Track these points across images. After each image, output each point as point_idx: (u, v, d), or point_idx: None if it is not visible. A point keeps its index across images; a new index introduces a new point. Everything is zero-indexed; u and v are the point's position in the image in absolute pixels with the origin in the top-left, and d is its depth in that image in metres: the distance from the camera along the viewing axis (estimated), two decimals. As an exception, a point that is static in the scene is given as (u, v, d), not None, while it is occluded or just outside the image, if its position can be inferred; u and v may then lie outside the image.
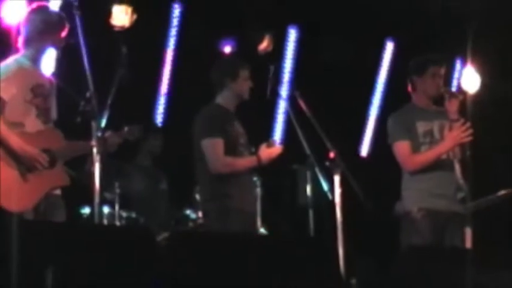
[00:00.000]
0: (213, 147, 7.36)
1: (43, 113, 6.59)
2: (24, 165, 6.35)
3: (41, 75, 6.67)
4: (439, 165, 7.65)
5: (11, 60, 6.61)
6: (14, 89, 6.43)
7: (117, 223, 8.42)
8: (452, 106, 7.76)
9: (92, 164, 6.17)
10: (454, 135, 7.54)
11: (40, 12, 6.84)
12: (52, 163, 6.46)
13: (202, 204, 7.82)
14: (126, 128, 6.88)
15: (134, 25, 9.09)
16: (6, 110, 6.39)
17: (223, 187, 7.36)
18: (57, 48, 6.67)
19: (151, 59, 10.35)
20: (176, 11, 10.59)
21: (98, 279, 4.47)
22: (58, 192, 6.66)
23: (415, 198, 7.67)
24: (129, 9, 9.37)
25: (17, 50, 6.72)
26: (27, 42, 6.71)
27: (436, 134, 7.77)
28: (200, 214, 8.13)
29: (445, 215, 7.55)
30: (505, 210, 8.85)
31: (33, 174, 6.38)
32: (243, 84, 7.65)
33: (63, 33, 6.69)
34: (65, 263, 4.39)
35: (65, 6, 6.78)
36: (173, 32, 10.61)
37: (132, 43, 6.99)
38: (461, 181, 7.79)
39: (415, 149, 7.71)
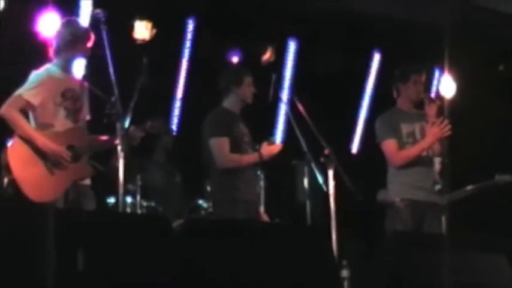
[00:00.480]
0: (219, 146, 7.35)
1: (72, 114, 6.61)
2: (50, 160, 6.38)
3: (71, 81, 6.68)
4: (420, 161, 7.66)
5: (42, 69, 6.64)
6: (44, 95, 6.47)
7: (139, 211, 8.42)
8: (431, 110, 7.78)
9: (117, 160, 6.20)
10: (435, 131, 7.55)
11: (69, 25, 6.86)
12: (76, 158, 6.47)
13: (212, 195, 7.81)
14: (148, 123, 6.88)
15: (154, 38, 9.12)
16: (37, 113, 6.45)
17: (230, 180, 7.36)
18: (84, 57, 6.68)
19: (168, 68, 10.34)
20: (190, 26, 10.58)
21: (122, 261, 4.49)
22: (88, 183, 6.68)
23: (398, 190, 7.68)
24: (149, 25, 9.41)
25: (49, 59, 6.75)
26: (58, 52, 6.73)
27: (418, 135, 7.77)
28: (210, 204, 8.12)
29: (424, 204, 7.55)
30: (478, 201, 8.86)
31: (59, 168, 6.40)
32: (247, 90, 7.61)
33: (89, 44, 6.68)
34: (93, 246, 4.41)
35: (94, 22, 6.79)
36: (187, 44, 10.60)
37: (152, 54, 7.00)
38: (437, 175, 7.81)
39: (400, 147, 7.72)
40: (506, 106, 10.98)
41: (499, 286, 5.93)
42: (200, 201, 8.49)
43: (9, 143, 6.37)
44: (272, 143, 7.52)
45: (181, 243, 4.84)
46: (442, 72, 9.96)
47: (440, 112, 7.80)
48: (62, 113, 6.57)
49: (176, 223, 7.04)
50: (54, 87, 6.55)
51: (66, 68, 6.68)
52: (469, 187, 8.66)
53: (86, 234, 4.43)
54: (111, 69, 6.32)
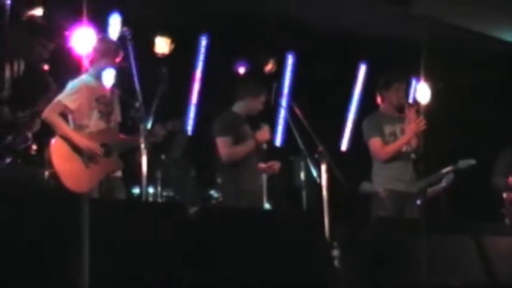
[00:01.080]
0: (223, 143, 7.34)
1: (104, 117, 6.64)
2: (86, 156, 6.41)
3: (103, 88, 6.72)
4: (400, 157, 7.65)
5: (78, 79, 6.69)
6: (80, 101, 6.50)
7: (159, 200, 8.42)
8: (410, 113, 7.77)
9: (140, 156, 6.20)
10: (412, 127, 7.55)
11: (102, 42, 6.92)
12: (108, 153, 6.51)
13: (221, 186, 7.79)
14: (170, 122, 6.90)
15: (172, 52, 9.11)
16: (75, 116, 6.50)
17: (236, 173, 7.36)
18: (114, 68, 6.71)
19: (185, 77, 10.34)
20: (203, 41, 10.57)
21: (145, 241, 4.50)
22: (119, 175, 6.71)
23: (382, 182, 7.67)
24: (169, 41, 9.40)
25: (84, 70, 6.79)
26: (92, 63, 6.77)
27: (398, 135, 7.77)
28: (220, 194, 8.11)
29: (403, 194, 7.56)
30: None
31: (93, 162, 6.43)
32: (257, 105, 7.61)
33: (119, 58, 6.73)
34: (121, 229, 4.42)
35: (121, 38, 6.80)
36: (201, 56, 10.59)
37: (170, 65, 7.00)
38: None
39: (384, 145, 7.72)
40: (473, 108, 11.01)
41: (467, 262, 5.94)
42: (212, 192, 8.48)
43: (51, 142, 6.40)
44: (261, 128, 7.49)
45: (195, 227, 4.84)
46: (418, 80, 9.96)
47: (417, 115, 7.80)
48: (95, 115, 6.61)
49: (191, 210, 7.04)
50: (89, 94, 6.57)
51: (99, 77, 6.71)
52: (437, 172, 8.67)
53: (115, 219, 4.44)
54: (135, 79, 6.32)
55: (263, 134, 7.49)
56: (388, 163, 7.72)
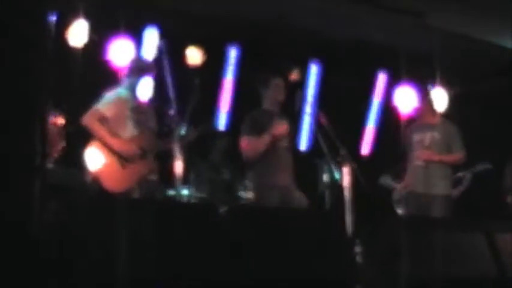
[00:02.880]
0: (242, 142, 7.30)
1: (140, 125, 6.71)
2: (123, 158, 6.49)
3: (137, 99, 6.81)
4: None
5: (113, 91, 6.80)
6: (115, 110, 6.59)
7: (192, 200, 8.47)
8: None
9: (174, 159, 6.27)
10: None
11: (135, 61, 7.05)
12: (143, 156, 6.58)
13: (251, 184, 7.76)
14: (201, 125, 6.97)
15: (204, 63, 9.17)
16: (110, 124, 6.57)
17: (266, 168, 7.33)
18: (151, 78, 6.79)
19: (215, 86, 10.38)
20: (232, 52, 10.61)
21: (180, 239, 4.55)
22: (155, 179, 6.79)
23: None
24: (200, 52, 9.46)
25: (119, 82, 6.89)
26: (126, 77, 6.87)
27: (427, 142, 7.83)
28: (249, 194, 8.11)
29: (425, 196, 7.65)
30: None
31: (129, 164, 6.51)
32: (275, 90, 7.47)
33: (152, 72, 6.85)
34: (159, 227, 4.47)
35: (158, 51, 6.89)
36: (231, 67, 10.62)
37: (202, 75, 7.07)
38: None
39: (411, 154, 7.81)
40: (486, 115, 10.97)
41: (478, 259, 5.95)
42: (242, 192, 8.53)
43: (90, 146, 6.49)
44: (280, 124, 7.43)
45: (226, 225, 4.88)
46: (434, 87, 9.98)
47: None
48: (130, 124, 6.68)
49: (222, 209, 7.07)
50: (123, 105, 6.66)
51: (133, 89, 6.80)
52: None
53: (153, 218, 4.49)
54: (170, 89, 6.39)
55: (278, 128, 7.33)
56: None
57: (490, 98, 10.92)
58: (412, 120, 8.20)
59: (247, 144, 7.28)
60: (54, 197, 4.14)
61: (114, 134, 6.57)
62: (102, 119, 6.55)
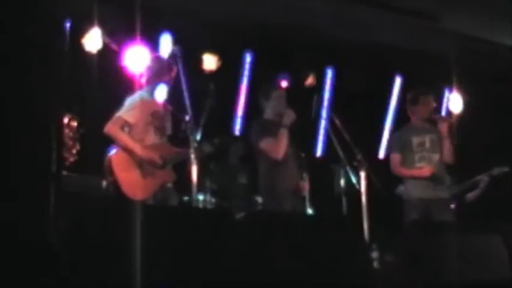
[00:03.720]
0: (264, 145, 7.30)
1: (159, 131, 6.71)
2: (144, 167, 6.49)
3: (157, 104, 6.79)
4: (430, 164, 7.73)
5: (135, 95, 6.78)
6: (138, 116, 6.58)
7: (208, 206, 8.46)
8: (443, 127, 7.78)
9: (190, 166, 6.26)
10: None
11: (156, 61, 7.01)
12: (163, 165, 6.58)
13: (262, 190, 7.77)
14: (217, 139, 6.94)
15: (219, 68, 9.18)
16: (133, 130, 6.57)
17: (277, 175, 7.35)
18: (168, 85, 6.78)
19: (231, 92, 10.40)
20: (247, 57, 10.63)
21: (195, 246, 4.55)
22: (171, 185, 6.78)
23: (412, 189, 7.76)
24: (215, 58, 9.47)
25: (140, 87, 6.88)
26: (147, 81, 6.87)
27: (428, 145, 7.80)
28: (263, 198, 8.08)
29: (433, 200, 7.63)
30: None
31: (150, 173, 6.51)
32: (276, 103, 7.51)
33: (173, 75, 6.79)
34: (173, 234, 4.47)
35: (171, 56, 6.88)
36: (246, 72, 10.64)
37: (217, 81, 7.06)
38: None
39: (410, 157, 7.75)
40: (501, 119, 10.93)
41: (496, 262, 5.91)
42: (258, 198, 8.52)
43: (112, 152, 6.50)
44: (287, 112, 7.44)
45: (242, 231, 4.88)
46: (451, 91, 9.95)
47: (450, 129, 7.83)
48: (151, 130, 6.69)
49: (239, 215, 7.07)
50: (146, 109, 6.66)
51: (153, 93, 6.80)
52: (472, 180, 8.66)
53: (168, 225, 4.49)
54: (185, 94, 6.39)
55: (288, 116, 7.35)
56: None
57: (506, 100, 10.89)
58: (408, 122, 8.14)
59: (270, 145, 7.28)
60: (70, 204, 4.15)
61: (138, 140, 6.58)
62: (126, 126, 6.57)
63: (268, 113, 7.56)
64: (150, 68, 6.94)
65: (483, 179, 8.96)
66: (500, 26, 9.80)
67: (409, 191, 7.77)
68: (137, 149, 6.48)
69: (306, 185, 7.83)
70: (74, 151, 7.12)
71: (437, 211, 7.58)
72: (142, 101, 6.69)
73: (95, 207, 4.45)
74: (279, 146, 7.26)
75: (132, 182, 6.41)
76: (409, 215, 7.65)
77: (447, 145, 7.74)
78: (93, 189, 7.20)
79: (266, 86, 7.83)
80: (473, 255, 5.75)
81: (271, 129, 7.36)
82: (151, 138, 6.66)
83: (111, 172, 6.39)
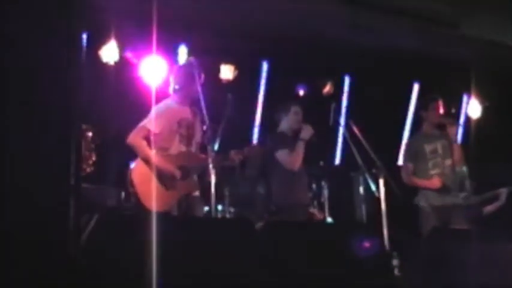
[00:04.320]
0: (281, 156, 7.51)
1: (185, 139, 6.68)
2: (164, 178, 6.48)
3: (186, 112, 6.78)
4: (444, 172, 7.73)
5: (161, 103, 6.78)
6: (163, 124, 6.59)
7: (227, 216, 8.46)
8: (452, 131, 7.81)
9: (209, 175, 6.25)
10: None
11: (180, 69, 7.01)
12: (186, 176, 6.56)
13: (275, 200, 7.79)
14: (246, 148, 6.95)
15: (236, 78, 9.19)
16: (157, 138, 6.57)
17: (288, 187, 7.42)
18: (195, 93, 6.65)
19: (249, 101, 10.40)
20: (265, 66, 10.63)
21: (215, 255, 4.55)
22: (197, 194, 6.76)
23: (427, 197, 7.77)
24: (232, 67, 9.49)
25: (167, 96, 6.87)
26: (174, 89, 6.87)
27: (440, 151, 7.81)
28: (275, 207, 8.09)
29: (449, 207, 7.68)
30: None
31: (171, 184, 6.50)
32: (293, 117, 7.74)
33: (200, 82, 6.66)
34: (193, 244, 4.48)
35: (188, 66, 6.87)
36: (263, 81, 10.65)
37: (235, 90, 7.08)
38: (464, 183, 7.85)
39: (424, 165, 7.74)
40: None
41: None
42: (273, 207, 8.50)
43: (133, 164, 6.51)
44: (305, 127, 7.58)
45: (262, 239, 4.88)
46: (469, 97, 9.92)
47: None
48: (177, 138, 6.68)
49: (258, 225, 7.06)
50: (171, 117, 6.64)
51: (182, 101, 6.79)
52: (494, 191, 8.61)
53: (188, 234, 4.50)
54: (203, 104, 6.39)
55: (306, 131, 7.55)
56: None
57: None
58: (419, 129, 8.17)
59: (286, 156, 7.46)
60: (90, 216, 4.17)
61: (160, 150, 6.57)
62: (150, 136, 6.57)
63: (285, 127, 7.74)
64: (176, 77, 6.92)
65: (503, 191, 8.93)
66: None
67: (424, 199, 7.78)
68: (156, 160, 6.48)
69: (318, 212, 7.91)
70: (90, 162, 7.13)
71: (453, 217, 7.59)
72: (168, 110, 6.69)
73: (114, 219, 4.46)
74: (295, 158, 7.48)
75: (151, 194, 6.41)
76: (426, 222, 7.64)
77: (457, 149, 7.78)
78: (112, 200, 7.22)
79: (284, 100, 8.00)
80: (493, 262, 5.73)
81: (287, 141, 7.51)
82: (177, 147, 6.65)
83: (132, 184, 6.40)
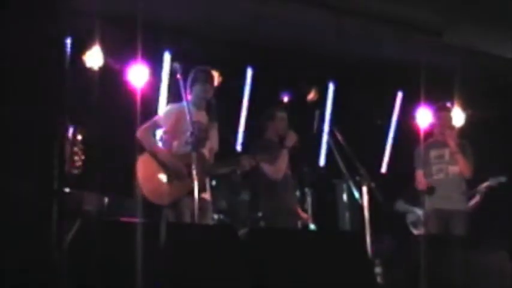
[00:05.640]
0: (264, 165, 7.46)
1: (195, 141, 6.63)
2: (170, 173, 6.47)
3: (200, 115, 6.77)
4: (447, 177, 7.78)
5: (177, 103, 6.81)
6: (172, 122, 6.62)
7: (210, 223, 8.43)
8: (450, 142, 7.90)
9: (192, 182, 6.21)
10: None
11: (192, 72, 6.95)
12: (190, 175, 6.54)
13: (262, 206, 7.79)
14: (259, 155, 6.96)
15: (220, 84, 9.16)
16: (166, 136, 6.70)
17: (275, 192, 7.41)
18: (208, 96, 6.75)
19: (233, 107, 10.40)
20: (249, 73, 10.63)
21: (198, 262, 4.53)
22: (208, 198, 6.75)
23: (431, 202, 7.79)
24: (217, 73, 9.45)
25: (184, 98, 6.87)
26: (191, 93, 6.85)
27: (447, 157, 7.89)
28: (262, 213, 8.08)
29: (449, 212, 7.67)
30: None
31: (176, 180, 6.48)
32: (279, 124, 7.69)
33: (212, 84, 6.87)
34: (176, 249, 4.45)
35: (172, 73, 6.88)
36: (247, 87, 10.64)
37: (219, 96, 7.06)
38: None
39: (428, 169, 7.78)
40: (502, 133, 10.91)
41: (501, 277, 5.89)
42: (260, 214, 8.48)
43: (139, 157, 6.52)
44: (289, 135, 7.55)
45: (245, 247, 4.86)
46: (452, 105, 9.94)
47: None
48: (185, 139, 6.65)
49: (241, 232, 7.04)
50: (181, 118, 6.61)
51: (196, 104, 6.78)
52: (482, 186, 8.65)
53: (171, 241, 4.47)
54: (187, 110, 6.37)
55: (290, 138, 7.51)
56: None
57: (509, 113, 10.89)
58: (427, 137, 8.22)
59: (270, 167, 7.46)
60: (72, 222, 4.14)
61: (168, 147, 6.60)
62: (158, 128, 6.67)
63: (270, 133, 7.71)
64: (190, 80, 6.90)
65: (480, 188, 8.96)
66: (503, 40, 9.80)
67: (427, 203, 7.85)
68: (163, 154, 6.51)
69: (308, 217, 7.89)
70: (78, 164, 7.07)
71: (453, 223, 7.65)
72: (180, 110, 6.65)
73: (95, 226, 4.43)
74: (278, 168, 7.45)
75: (156, 187, 6.41)
76: (426, 226, 7.72)
77: (460, 159, 7.84)
78: (95, 206, 7.19)
79: (269, 107, 7.96)
80: (478, 270, 5.74)
81: (271, 149, 7.47)
82: (184, 147, 6.63)
83: (136, 175, 6.41)
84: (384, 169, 11.71)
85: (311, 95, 10.87)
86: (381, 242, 7.33)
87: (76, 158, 6.87)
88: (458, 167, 7.89)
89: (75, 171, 7.03)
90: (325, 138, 10.14)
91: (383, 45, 10.04)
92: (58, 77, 3.83)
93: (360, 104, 10.69)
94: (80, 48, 8.51)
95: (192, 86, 6.83)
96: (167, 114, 6.78)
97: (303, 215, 8.11)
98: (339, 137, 7.19)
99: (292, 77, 10.32)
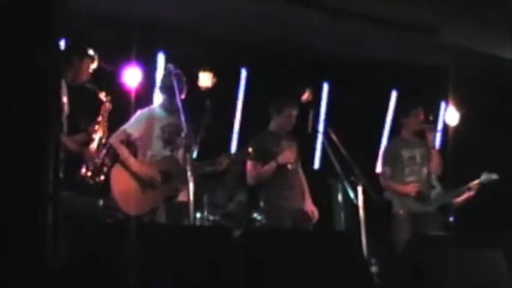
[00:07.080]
0: (248, 167, 7.56)
1: (169, 145, 6.67)
2: (144, 181, 6.48)
3: (172, 119, 6.78)
4: (419, 179, 7.79)
5: (145, 109, 6.92)
6: (143, 129, 6.62)
7: (206, 223, 8.44)
8: (430, 137, 7.87)
9: (187, 183, 6.21)
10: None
11: (165, 76, 6.99)
12: (166, 180, 6.55)
13: (263, 206, 7.78)
14: (235, 153, 7.02)
15: (214, 85, 9.17)
16: (139, 143, 6.68)
17: (278, 191, 7.40)
18: (180, 100, 6.68)
19: (227, 108, 10.40)
20: (243, 74, 10.63)
21: (192, 264, 4.53)
22: (185, 200, 6.73)
23: (400, 203, 7.81)
24: (211, 75, 9.47)
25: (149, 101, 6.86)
26: (161, 96, 6.94)
27: (418, 159, 7.86)
28: (263, 216, 8.08)
29: (421, 214, 7.72)
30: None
31: (151, 187, 6.50)
32: (285, 119, 7.70)
33: (183, 91, 6.83)
34: (171, 251, 4.45)
35: (167, 74, 6.88)
36: (241, 88, 10.64)
37: (213, 98, 7.06)
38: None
39: (400, 171, 7.75)
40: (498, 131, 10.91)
41: (496, 277, 5.89)
42: (255, 215, 8.49)
43: (113, 167, 6.52)
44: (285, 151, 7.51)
45: (241, 248, 4.86)
46: (447, 104, 9.96)
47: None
48: (159, 143, 6.69)
49: (236, 233, 7.05)
50: (154, 123, 6.65)
51: (167, 108, 6.78)
52: (455, 190, 8.61)
53: (165, 242, 4.47)
54: (181, 111, 6.38)
55: (285, 156, 7.50)
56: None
57: (504, 112, 10.90)
58: (398, 135, 8.22)
59: (253, 170, 7.50)
60: (67, 225, 4.14)
61: (143, 154, 6.61)
62: (129, 139, 6.61)
63: (274, 125, 7.69)
64: (161, 83, 6.93)
65: (471, 185, 8.95)
66: (498, 39, 9.81)
67: (400, 205, 7.80)
68: (134, 164, 6.52)
69: (315, 213, 7.82)
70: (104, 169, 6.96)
71: (426, 225, 7.62)
72: (152, 116, 6.72)
73: (91, 229, 4.43)
74: (257, 176, 7.52)
75: (131, 197, 6.42)
76: (399, 229, 7.68)
77: (435, 156, 7.82)
78: (91, 210, 7.17)
79: (280, 100, 7.91)
80: (473, 269, 5.74)
81: (265, 150, 7.50)
82: (160, 152, 6.66)
83: (110, 186, 6.42)
84: (378, 169, 11.71)
85: (305, 96, 10.86)
86: (376, 241, 7.34)
87: (105, 169, 6.83)
88: (432, 164, 7.86)
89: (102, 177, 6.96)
90: (319, 138, 10.13)
91: (377, 44, 10.05)
92: (52, 78, 3.83)
93: (354, 104, 10.69)
94: (74, 49, 8.49)
95: (166, 91, 6.84)
96: (135, 122, 6.79)
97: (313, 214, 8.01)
98: (334, 137, 7.20)
99: (286, 77, 10.31)
